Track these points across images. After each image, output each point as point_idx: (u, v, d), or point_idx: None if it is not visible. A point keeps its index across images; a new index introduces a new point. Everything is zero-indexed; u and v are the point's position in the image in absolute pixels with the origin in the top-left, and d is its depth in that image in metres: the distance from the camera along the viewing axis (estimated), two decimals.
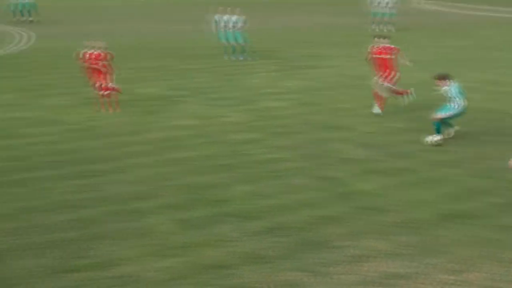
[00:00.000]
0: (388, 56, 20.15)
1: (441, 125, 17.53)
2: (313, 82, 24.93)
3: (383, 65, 20.16)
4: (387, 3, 38.33)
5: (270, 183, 14.56)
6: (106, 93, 20.59)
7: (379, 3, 38.54)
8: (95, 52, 20.43)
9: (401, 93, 20.69)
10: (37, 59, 29.93)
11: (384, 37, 20.94)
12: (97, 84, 20.57)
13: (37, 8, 43.60)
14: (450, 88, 17.44)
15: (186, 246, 11.50)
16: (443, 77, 17.62)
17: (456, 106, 17.39)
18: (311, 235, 12.01)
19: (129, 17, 46.25)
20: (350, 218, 12.75)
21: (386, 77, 20.17)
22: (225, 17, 30.09)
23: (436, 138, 17.37)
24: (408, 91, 20.65)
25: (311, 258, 11.11)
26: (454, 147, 17.21)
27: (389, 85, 20.16)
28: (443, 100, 17.51)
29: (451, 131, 17.91)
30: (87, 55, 20.46)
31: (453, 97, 17.39)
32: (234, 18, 30.06)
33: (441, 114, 17.44)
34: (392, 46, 20.37)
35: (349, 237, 11.92)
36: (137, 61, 29.59)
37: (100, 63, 20.37)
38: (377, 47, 20.36)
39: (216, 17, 30.15)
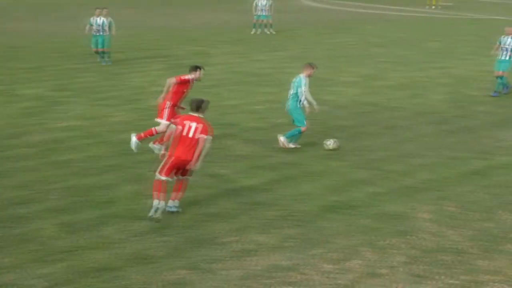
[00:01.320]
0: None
1: None
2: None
3: None
4: (265, 5, 38.65)
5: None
6: None
7: (260, 4, 38.84)
8: None
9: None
10: None
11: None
12: None
13: None
14: None
15: (70, 251, 11.28)
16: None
17: None
18: (197, 232, 12.04)
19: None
20: (235, 214, 12.87)
21: None
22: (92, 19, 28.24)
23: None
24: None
25: (197, 256, 11.14)
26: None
27: None
28: None
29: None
30: None
31: None
32: (100, 20, 28.22)
33: None
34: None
35: (235, 233, 12.03)
36: (15, 61, 28.83)
37: None
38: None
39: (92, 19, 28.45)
